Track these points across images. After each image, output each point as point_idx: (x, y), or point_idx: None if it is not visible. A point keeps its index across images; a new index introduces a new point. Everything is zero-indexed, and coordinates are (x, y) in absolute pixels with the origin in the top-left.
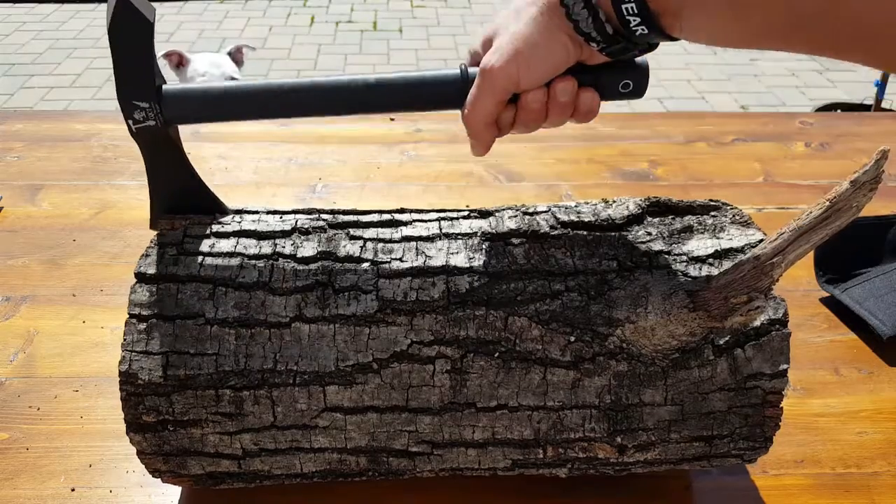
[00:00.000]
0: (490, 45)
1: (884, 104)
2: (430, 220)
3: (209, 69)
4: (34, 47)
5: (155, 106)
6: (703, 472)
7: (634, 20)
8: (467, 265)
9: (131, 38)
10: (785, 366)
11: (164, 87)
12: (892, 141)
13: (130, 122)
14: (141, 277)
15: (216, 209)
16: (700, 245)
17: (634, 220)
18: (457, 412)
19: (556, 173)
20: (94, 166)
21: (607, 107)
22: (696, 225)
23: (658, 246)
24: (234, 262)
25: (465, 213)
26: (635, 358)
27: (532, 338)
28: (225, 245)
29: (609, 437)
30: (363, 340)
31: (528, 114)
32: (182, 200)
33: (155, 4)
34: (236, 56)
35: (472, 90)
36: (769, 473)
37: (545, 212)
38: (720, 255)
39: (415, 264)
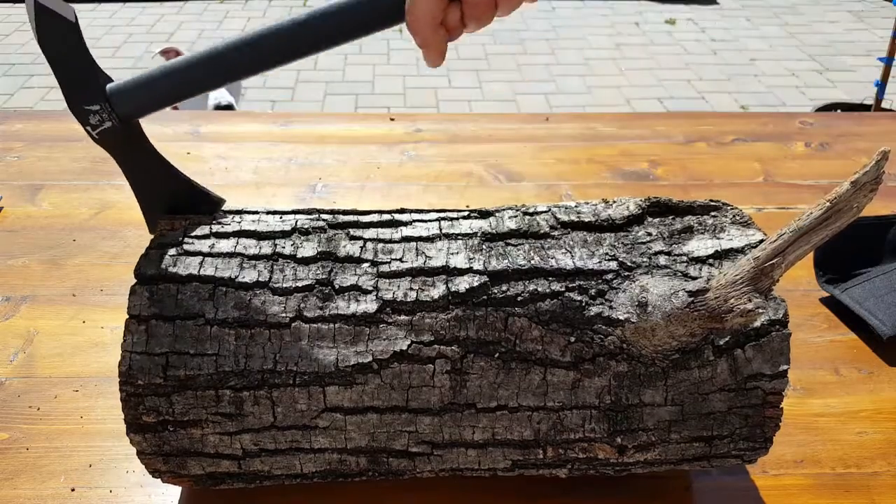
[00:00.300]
0: None
1: (884, 104)
2: (430, 221)
3: None
4: (34, 47)
5: (106, 106)
6: (703, 473)
7: None
8: (467, 265)
9: (60, 43)
10: (785, 366)
11: (108, 85)
12: (892, 141)
13: (89, 128)
14: (141, 277)
15: (208, 201)
16: (700, 245)
17: (634, 220)
18: (457, 413)
19: (556, 173)
20: (94, 166)
21: (608, 107)
22: (696, 225)
23: (658, 246)
24: (234, 262)
25: (465, 214)
26: (635, 358)
27: (532, 338)
28: (225, 245)
29: (609, 438)
30: (363, 341)
31: (475, 7)
32: (170, 199)
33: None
34: None
35: None
36: (769, 473)
37: (545, 212)
38: (720, 255)
39: (415, 264)
